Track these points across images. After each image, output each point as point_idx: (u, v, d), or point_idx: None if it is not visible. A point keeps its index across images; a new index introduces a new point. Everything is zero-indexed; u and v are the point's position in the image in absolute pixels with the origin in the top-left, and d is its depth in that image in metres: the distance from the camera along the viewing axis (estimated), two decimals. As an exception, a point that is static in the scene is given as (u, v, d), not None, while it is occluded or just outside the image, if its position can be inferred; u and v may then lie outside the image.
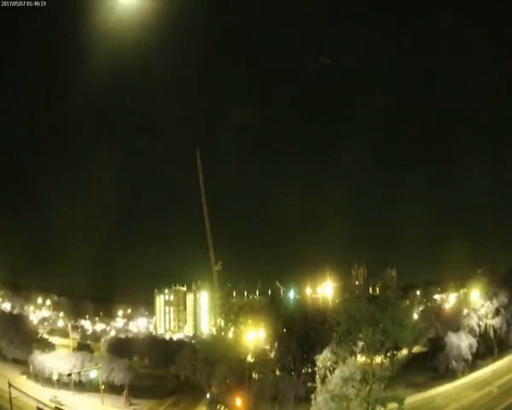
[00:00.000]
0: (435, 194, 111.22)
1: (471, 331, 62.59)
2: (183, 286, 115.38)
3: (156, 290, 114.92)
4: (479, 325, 63.50)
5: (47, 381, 62.29)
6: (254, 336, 59.96)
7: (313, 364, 51.97)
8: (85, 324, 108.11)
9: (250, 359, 58.32)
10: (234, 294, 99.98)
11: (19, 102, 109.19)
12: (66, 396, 59.81)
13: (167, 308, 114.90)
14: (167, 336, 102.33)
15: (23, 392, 53.92)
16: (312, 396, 44.85)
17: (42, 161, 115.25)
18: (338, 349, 47.02)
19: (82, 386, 62.53)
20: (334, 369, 45.89)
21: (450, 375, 59.21)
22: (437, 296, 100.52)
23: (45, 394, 58.48)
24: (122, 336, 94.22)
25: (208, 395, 60.42)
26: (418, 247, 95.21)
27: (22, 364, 66.13)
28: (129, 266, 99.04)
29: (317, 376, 47.83)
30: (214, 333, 66.39)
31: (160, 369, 74.24)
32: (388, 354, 50.46)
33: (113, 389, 62.68)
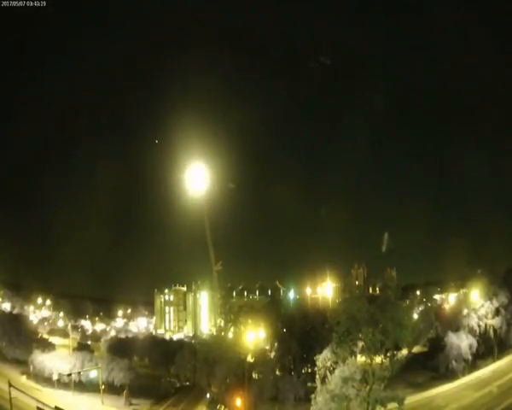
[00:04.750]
0: (435, 194, 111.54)
1: (471, 331, 62.49)
2: (183, 286, 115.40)
3: (156, 290, 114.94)
4: (479, 325, 63.38)
5: (47, 381, 62.28)
6: (254, 336, 59.84)
7: (313, 364, 51.85)
8: (85, 324, 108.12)
9: (250, 359, 58.22)
10: (234, 294, 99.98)
11: (21, 104, 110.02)
12: (66, 396, 59.81)
13: (167, 308, 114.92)
14: (167, 336, 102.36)
15: (23, 391, 53.73)
16: (312, 396, 44.77)
17: (43, 162, 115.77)
18: (338, 349, 46.86)
19: (82, 386, 62.47)
20: (334, 369, 45.81)
21: (451, 375, 59.16)
22: (437, 296, 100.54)
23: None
24: (122, 336, 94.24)
25: (208, 395, 60.37)
26: (418, 247, 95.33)
27: (22, 364, 66.11)
28: (129, 266, 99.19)
29: (317, 376, 47.70)
30: (214, 333, 66.25)
31: (159, 369, 74.21)
32: (388, 354, 50.37)
33: (113, 389, 62.63)
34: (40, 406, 52.51)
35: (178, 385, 67.96)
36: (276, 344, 64.60)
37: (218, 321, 68.15)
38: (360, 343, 47.94)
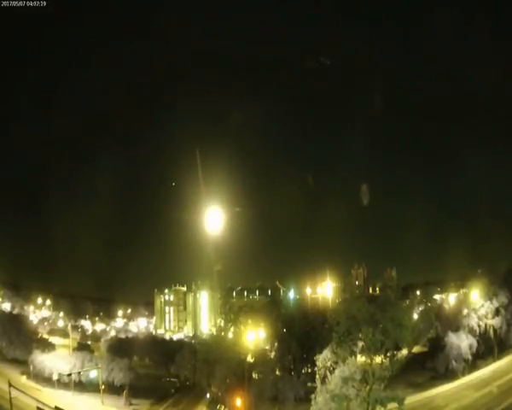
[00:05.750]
0: (435, 194, 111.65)
1: (471, 331, 62.48)
2: (183, 286, 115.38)
3: (156, 290, 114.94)
4: (479, 325, 63.38)
5: (47, 381, 62.27)
6: (254, 336, 59.87)
7: (313, 364, 51.87)
8: (85, 324, 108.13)
9: (250, 359, 58.23)
10: (234, 294, 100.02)
11: (21, 109, 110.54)
12: (66, 396, 59.82)
13: (167, 308, 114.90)
14: (167, 336, 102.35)
15: (23, 391, 53.74)
16: (312, 396, 44.78)
17: (43, 164, 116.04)
18: (338, 349, 46.91)
19: (82, 386, 62.43)
20: (334, 369, 45.81)
21: (450, 375, 59.11)
22: (437, 296, 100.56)
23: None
24: (122, 336, 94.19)
25: (208, 395, 60.39)
26: (418, 247, 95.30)
27: (22, 364, 66.10)
28: (129, 266, 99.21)
29: (317, 376, 47.71)
30: (214, 333, 66.33)
31: (160, 369, 74.26)
32: (388, 354, 50.41)
33: (113, 389, 62.57)
34: (40, 406, 52.49)
35: (178, 385, 67.89)
36: (276, 344, 64.58)
37: (218, 321, 68.27)
38: (360, 343, 47.98)
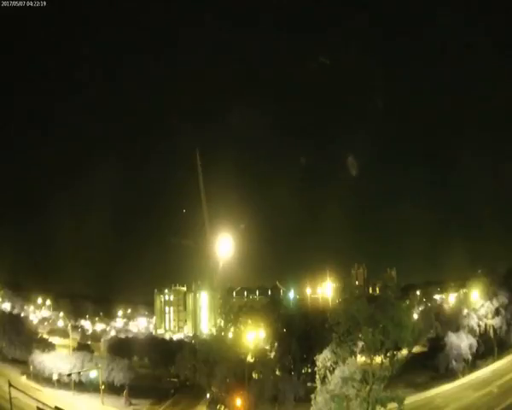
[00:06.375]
0: (435, 194, 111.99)
1: (471, 331, 62.53)
2: (183, 286, 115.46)
3: (156, 290, 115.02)
4: (479, 325, 63.46)
5: (47, 381, 62.25)
6: (254, 336, 59.77)
7: (313, 364, 51.78)
8: (85, 324, 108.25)
9: (250, 359, 58.15)
10: (234, 294, 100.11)
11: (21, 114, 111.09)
12: (67, 396, 59.80)
13: (167, 308, 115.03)
14: (167, 336, 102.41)
15: (23, 391, 53.68)
16: (312, 396, 44.74)
17: (42, 166, 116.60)
18: (338, 349, 46.86)
19: (82, 386, 62.41)
20: (334, 369, 45.77)
21: (450, 375, 59.13)
22: (437, 296, 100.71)
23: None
24: (122, 336, 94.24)
25: (208, 395, 60.32)
26: (418, 247, 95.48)
27: (22, 364, 66.08)
28: (129, 266, 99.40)
29: (317, 376, 47.64)
30: (214, 333, 66.24)
31: (159, 369, 74.31)
32: (388, 354, 50.34)
33: (113, 389, 62.54)
34: (40, 406, 52.43)
35: (178, 385, 67.87)
36: (276, 344, 64.53)
37: (218, 321, 68.15)
38: (360, 343, 47.94)
